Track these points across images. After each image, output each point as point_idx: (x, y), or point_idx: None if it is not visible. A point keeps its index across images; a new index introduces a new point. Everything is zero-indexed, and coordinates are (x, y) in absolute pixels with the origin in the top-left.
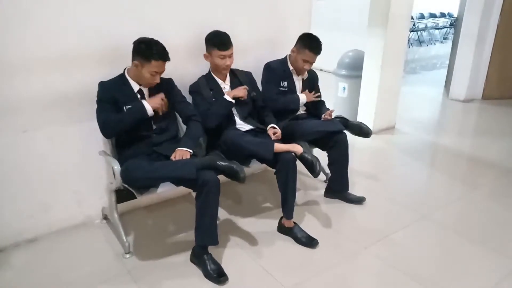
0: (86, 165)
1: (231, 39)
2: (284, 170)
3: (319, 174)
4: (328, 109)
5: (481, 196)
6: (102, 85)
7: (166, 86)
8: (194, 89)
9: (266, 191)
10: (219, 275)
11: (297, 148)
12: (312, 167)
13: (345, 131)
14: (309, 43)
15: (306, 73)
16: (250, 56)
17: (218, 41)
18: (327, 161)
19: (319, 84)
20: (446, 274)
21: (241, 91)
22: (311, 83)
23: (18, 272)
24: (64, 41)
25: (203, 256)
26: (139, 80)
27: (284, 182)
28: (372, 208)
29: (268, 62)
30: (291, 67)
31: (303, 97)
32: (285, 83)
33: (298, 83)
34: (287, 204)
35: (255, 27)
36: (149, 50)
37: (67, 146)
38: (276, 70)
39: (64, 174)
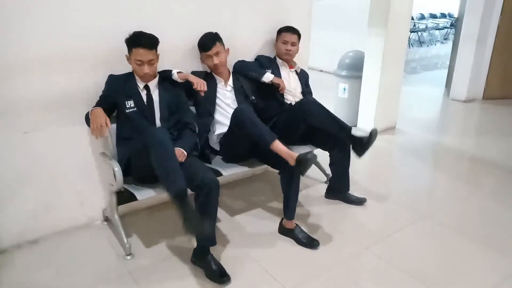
0: (87, 166)
1: (230, 39)
2: (288, 171)
3: (303, 174)
4: None
5: (483, 197)
6: (110, 77)
7: (178, 86)
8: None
9: (267, 191)
10: (221, 275)
11: (292, 158)
12: (303, 167)
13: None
14: (283, 28)
15: (297, 65)
16: (250, 57)
17: (200, 43)
18: (328, 161)
19: (319, 84)
20: (448, 274)
21: (195, 79)
22: (302, 78)
23: (21, 273)
24: (65, 42)
25: (205, 257)
26: (136, 74)
27: (288, 183)
28: (373, 208)
29: None
30: (279, 61)
31: (270, 75)
32: (269, 71)
33: (293, 75)
34: (289, 205)
35: (255, 27)
36: (130, 38)
37: (69, 147)
38: (261, 58)
39: (65, 175)
